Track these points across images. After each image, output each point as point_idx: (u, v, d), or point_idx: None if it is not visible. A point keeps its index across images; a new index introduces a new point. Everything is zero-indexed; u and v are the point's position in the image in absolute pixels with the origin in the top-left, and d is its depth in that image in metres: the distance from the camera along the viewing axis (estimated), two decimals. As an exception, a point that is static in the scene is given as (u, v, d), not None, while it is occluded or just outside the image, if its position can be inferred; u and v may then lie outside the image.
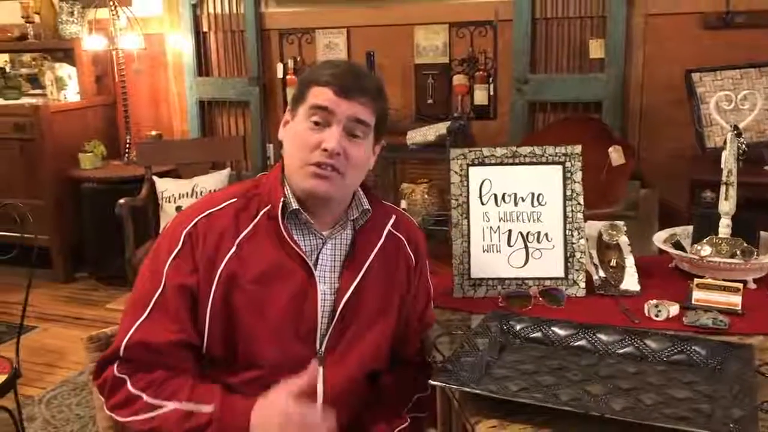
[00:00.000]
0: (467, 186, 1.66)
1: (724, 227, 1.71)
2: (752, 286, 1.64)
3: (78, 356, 3.22)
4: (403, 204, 3.58)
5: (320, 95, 1.27)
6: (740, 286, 1.50)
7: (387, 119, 1.36)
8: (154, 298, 1.25)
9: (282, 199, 1.30)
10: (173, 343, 1.24)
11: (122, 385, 1.22)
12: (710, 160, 2.72)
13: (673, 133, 3.39)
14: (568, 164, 1.64)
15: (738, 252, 1.63)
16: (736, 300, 1.49)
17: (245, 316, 1.26)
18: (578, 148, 1.64)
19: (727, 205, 1.70)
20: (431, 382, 1.16)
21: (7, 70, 4.84)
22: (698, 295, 1.52)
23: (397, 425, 1.38)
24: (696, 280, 1.54)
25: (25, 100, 4.52)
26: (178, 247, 1.27)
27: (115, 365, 1.24)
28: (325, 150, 1.25)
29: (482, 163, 1.66)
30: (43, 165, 4.14)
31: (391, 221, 1.42)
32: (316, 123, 1.27)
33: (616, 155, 3.08)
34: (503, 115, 3.76)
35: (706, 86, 3.03)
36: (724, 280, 1.55)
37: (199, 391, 1.20)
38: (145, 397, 1.20)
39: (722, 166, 1.70)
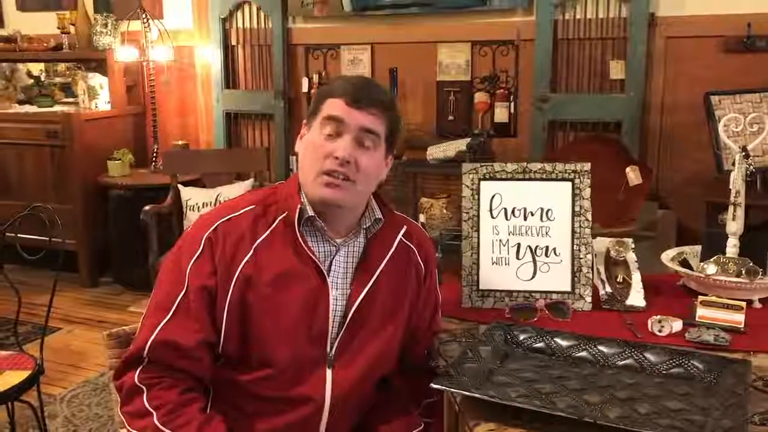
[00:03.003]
0: (478, 200, 1.70)
1: (732, 247, 1.73)
2: (758, 305, 1.66)
3: (99, 358, 3.30)
4: (422, 218, 3.61)
5: (333, 106, 1.33)
6: (743, 304, 1.53)
7: (399, 132, 1.41)
8: (178, 300, 1.30)
9: (299, 206, 1.35)
10: (196, 342, 1.29)
11: (139, 395, 1.27)
12: (727, 183, 2.73)
13: (692, 155, 3.41)
14: (577, 181, 1.68)
15: (744, 271, 1.66)
16: (739, 318, 1.51)
17: (260, 317, 1.31)
18: (587, 166, 1.68)
19: (734, 225, 1.73)
20: (433, 385, 1.20)
21: (42, 78, 4.99)
22: (702, 313, 1.55)
23: (412, 427, 1.43)
24: (700, 298, 1.57)
25: (57, 108, 4.65)
26: (199, 250, 1.32)
27: (138, 371, 1.28)
28: (336, 158, 1.31)
29: (493, 178, 1.71)
30: (73, 171, 4.26)
31: (403, 231, 1.47)
32: (329, 135, 1.33)
33: (633, 175, 3.09)
34: (523, 133, 3.80)
35: (725, 109, 3.04)
36: (730, 298, 1.57)
37: (206, 427, 1.25)
38: (155, 417, 1.25)
39: (730, 186, 1.73)
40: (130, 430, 1.27)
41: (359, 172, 1.33)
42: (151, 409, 1.25)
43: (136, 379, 1.28)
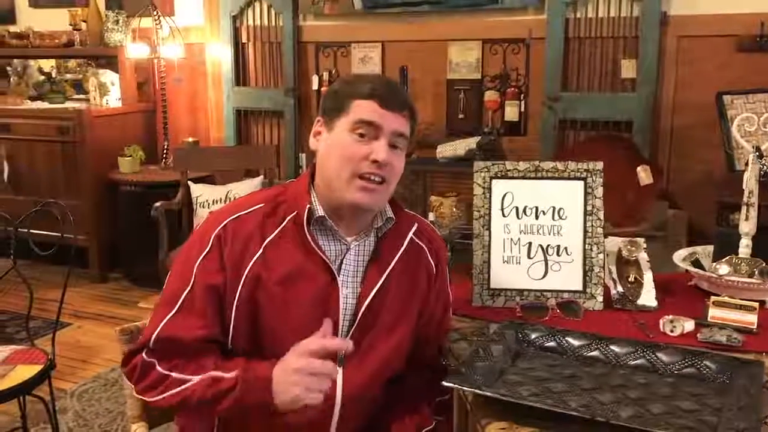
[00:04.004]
0: (489, 198, 1.70)
1: (744, 247, 1.73)
2: (770, 306, 1.65)
3: (110, 353, 3.32)
4: (431, 217, 3.62)
5: (365, 109, 1.32)
6: (756, 305, 1.52)
7: (416, 132, 1.43)
8: (183, 296, 1.31)
9: (308, 206, 1.35)
10: (198, 339, 1.29)
11: (152, 368, 1.28)
12: (739, 183, 2.72)
13: (703, 155, 3.39)
14: (589, 180, 1.67)
15: (756, 272, 1.65)
16: (751, 319, 1.51)
17: (269, 316, 1.32)
18: (600, 165, 1.67)
19: (747, 226, 1.72)
20: (444, 383, 1.21)
21: (53, 75, 5.01)
22: (714, 313, 1.54)
23: (423, 426, 1.42)
24: (713, 298, 1.56)
25: (69, 105, 4.67)
26: (208, 248, 1.32)
27: (144, 352, 1.30)
28: (375, 161, 1.31)
29: (505, 177, 1.70)
30: (84, 167, 4.28)
31: (413, 229, 1.47)
32: (362, 135, 1.32)
33: (644, 175, 3.09)
34: (533, 131, 3.79)
35: (737, 109, 3.03)
36: (742, 299, 1.56)
37: (223, 363, 1.26)
38: (174, 374, 1.26)
39: (743, 186, 1.73)
40: (153, 400, 1.28)
41: (393, 174, 1.34)
42: (167, 371, 1.27)
43: (144, 356, 1.30)
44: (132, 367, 1.32)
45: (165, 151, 4.47)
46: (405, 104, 1.35)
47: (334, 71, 4.23)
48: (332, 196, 1.35)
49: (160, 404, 1.28)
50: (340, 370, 1.35)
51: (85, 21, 4.60)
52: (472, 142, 3.58)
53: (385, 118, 1.32)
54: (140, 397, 1.31)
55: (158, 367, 1.28)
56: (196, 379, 1.25)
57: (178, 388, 1.25)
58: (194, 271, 1.32)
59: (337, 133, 1.35)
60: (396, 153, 1.35)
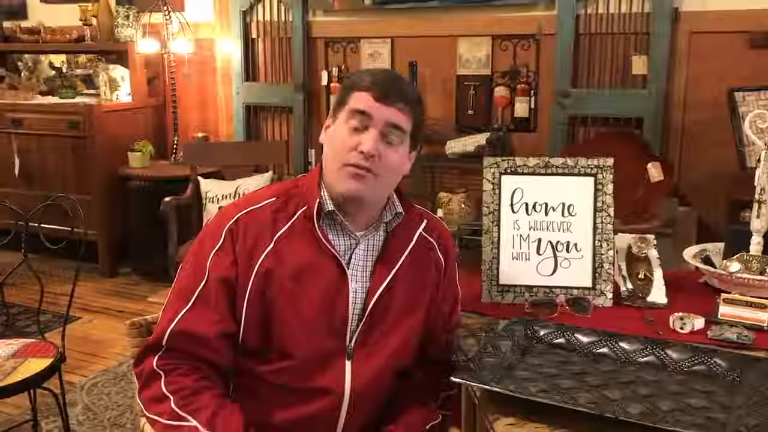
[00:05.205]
0: (499, 194, 1.70)
1: (755, 245, 1.72)
2: (781, 303, 1.64)
3: (119, 347, 3.33)
4: (440, 213, 3.62)
5: (360, 100, 1.32)
6: (767, 302, 1.51)
7: (423, 128, 1.42)
8: (198, 290, 1.31)
9: (318, 200, 1.35)
10: (214, 333, 1.30)
11: (157, 380, 1.28)
12: (750, 180, 2.70)
13: (714, 152, 3.37)
14: (599, 176, 1.67)
15: (767, 269, 1.64)
16: (762, 316, 1.50)
17: (280, 310, 1.32)
18: (610, 161, 1.66)
19: (758, 223, 1.71)
20: (453, 378, 1.20)
21: (64, 70, 5.03)
22: (725, 310, 1.53)
23: (429, 420, 1.42)
24: (723, 295, 1.56)
25: (79, 100, 4.68)
26: (220, 241, 1.33)
27: (156, 357, 1.30)
28: (361, 152, 1.30)
29: (515, 172, 1.70)
30: (94, 162, 4.29)
31: (423, 225, 1.47)
32: (355, 128, 1.32)
33: (654, 171, 3.07)
34: (543, 128, 3.78)
35: (749, 105, 3.01)
36: (753, 296, 1.55)
37: (218, 420, 1.25)
38: (172, 401, 1.26)
39: (755, 184, 1.71)
40: (148, 414, 1.28)
41: (383, 167, 1.32)
42: (168, 394, 1.26)
43: (154, 365, 1.29)
44: (141, 370, 1.32)
45: (174, 147, 4.48)
46: (403, 97, 1.33)
47: (343, 67, 4.22)
48: (331, 188, 1.36)
49: (151, 423, 1.28)
50: (348, 365, 1.36)
51: (95, 16, 4.61)
52: (481, 138, 3.57)
53: (377, 109, 1.31)
54: (139, 402, 1.31)
55: (162, 383, 1.28)
56: (189, 422, 1.24)
57: (170, 422, 1.25)
58: (208, 265, 1.32)
59: (336, 124, 1.36)
60: (390, 146, 1.33)
